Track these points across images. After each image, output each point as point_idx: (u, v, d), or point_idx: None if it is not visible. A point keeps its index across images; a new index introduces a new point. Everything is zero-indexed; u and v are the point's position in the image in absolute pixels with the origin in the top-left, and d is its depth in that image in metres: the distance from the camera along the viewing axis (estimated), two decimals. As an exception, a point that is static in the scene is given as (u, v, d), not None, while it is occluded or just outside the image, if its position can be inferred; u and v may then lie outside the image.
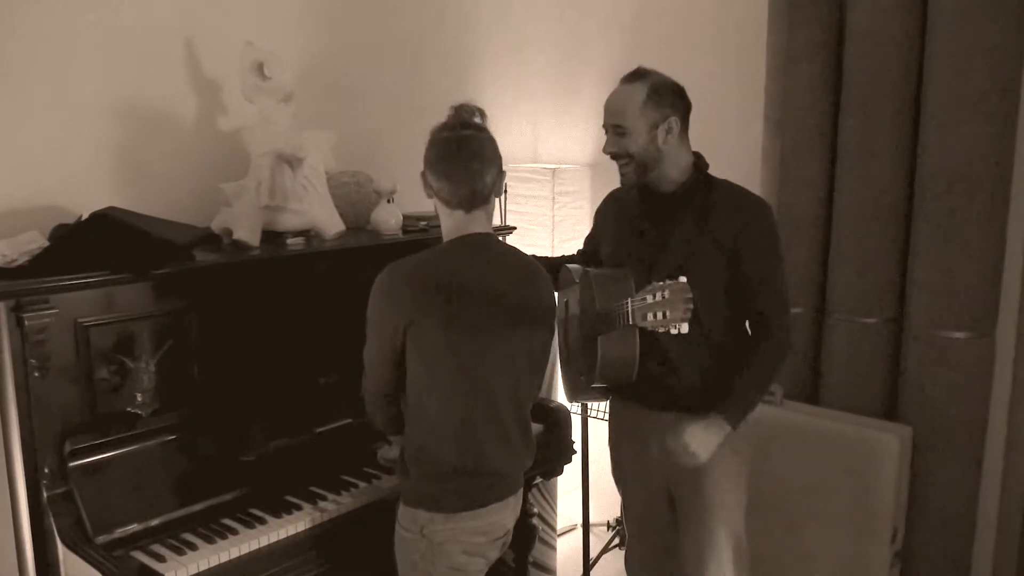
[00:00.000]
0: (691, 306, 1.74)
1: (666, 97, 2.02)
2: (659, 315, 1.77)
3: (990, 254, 2.53)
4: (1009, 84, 2.45)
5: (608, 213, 2.30)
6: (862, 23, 2.63)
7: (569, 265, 2.29)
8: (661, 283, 1.77)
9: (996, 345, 2.61)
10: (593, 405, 3.14)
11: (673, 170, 2.06)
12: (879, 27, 2.59)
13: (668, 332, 1.78)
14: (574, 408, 2.98)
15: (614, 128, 2.06)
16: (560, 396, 3.11)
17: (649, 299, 1.78)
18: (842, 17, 2.72)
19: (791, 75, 2.78)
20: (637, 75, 2.05)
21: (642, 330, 2.00)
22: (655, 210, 2.10)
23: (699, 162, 2.10)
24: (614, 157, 2.09)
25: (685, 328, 1.77)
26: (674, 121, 2.02)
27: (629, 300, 1.84)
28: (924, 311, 2.61)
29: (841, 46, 2.72)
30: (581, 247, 2.45)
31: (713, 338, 2.05)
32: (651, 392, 2.11)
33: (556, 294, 2.17)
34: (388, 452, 2.17)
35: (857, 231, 2.70)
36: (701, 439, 1.97)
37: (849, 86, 2.69)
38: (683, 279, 1.76)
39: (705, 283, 1.98)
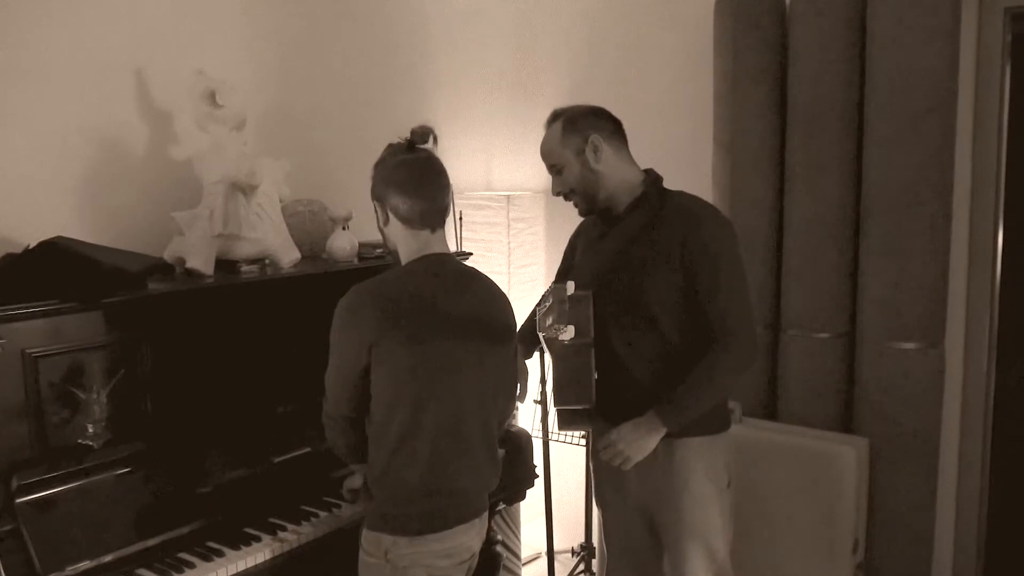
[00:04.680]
0: (566, 306, 1.82)
1: (581, 121, 2.09)
2: (549, 320, 1.84)
3: (936, 266, 2.59)
4: (946, 102, 2.54)
5: (579, 237, 2.32)
6: (805, 46, 2.70)
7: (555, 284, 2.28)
8: (551, 288, 1.85)
9: (946, 355, 2.67)
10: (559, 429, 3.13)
11: (619, 189, 2.10)
12: (821, 49, 2.66)
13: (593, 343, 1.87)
14: (535, 432, 2.96)
15: (551, 169, 2.15)
16: (521, 421, 3.11)
17: (544, 305, 1.85)
18: (785, 40, 2.80)
19: (738, 98, 2.84)
20: (553, 116, 2.15)
21: (600, 347, 2.03)
22: (613, 230, 2.13)
23: (648, 176, 2.13)
24: (564, 197, 2.16)
25: (569, 333, 1.84)
26: (595, 138, 2.06)
27: (538, 310, 1.89)
28: (875, 324, 2.66)
29: (785, 68, 2.80)
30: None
31: (675, 351, 2.03)
32: (619, 411, 2.06)
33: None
34: (352, 482, 2.14)
35: (808, 248, 2.76)
36: (629, 438, 1.98)
37: (794, 107, 2.76)
38: (570, 283, 1.86)
39: (661, 298, 2.01)
